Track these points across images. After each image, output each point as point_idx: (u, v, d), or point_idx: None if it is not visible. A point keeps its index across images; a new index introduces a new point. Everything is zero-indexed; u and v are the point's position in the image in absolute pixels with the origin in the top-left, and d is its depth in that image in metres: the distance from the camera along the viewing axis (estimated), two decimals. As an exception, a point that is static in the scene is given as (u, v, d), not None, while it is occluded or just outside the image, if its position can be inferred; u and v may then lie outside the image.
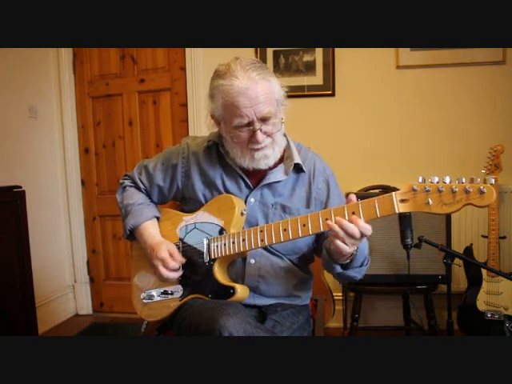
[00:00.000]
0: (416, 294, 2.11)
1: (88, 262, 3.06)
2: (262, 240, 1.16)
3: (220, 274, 1.23)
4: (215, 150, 1.32)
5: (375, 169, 2.55)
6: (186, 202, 1.37)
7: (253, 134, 1.18)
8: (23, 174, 2.57)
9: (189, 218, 1.32)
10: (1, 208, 1.97)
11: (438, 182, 0.97)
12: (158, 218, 1.38)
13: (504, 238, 2.22)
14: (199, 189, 1.32)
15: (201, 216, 1.30)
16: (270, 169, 1.27)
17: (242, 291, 1.20)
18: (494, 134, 2.41)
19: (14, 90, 2.58)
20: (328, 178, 1.32)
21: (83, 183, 3.03)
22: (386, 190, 2.22)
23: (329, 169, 1.34)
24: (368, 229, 1.03)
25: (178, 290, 1.28)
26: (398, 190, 1.02)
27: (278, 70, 2.61)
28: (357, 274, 1.19)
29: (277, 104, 1.20)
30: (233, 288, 1.20)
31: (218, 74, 1.19)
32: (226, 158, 1.29)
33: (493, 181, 0.94)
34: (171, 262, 1.24)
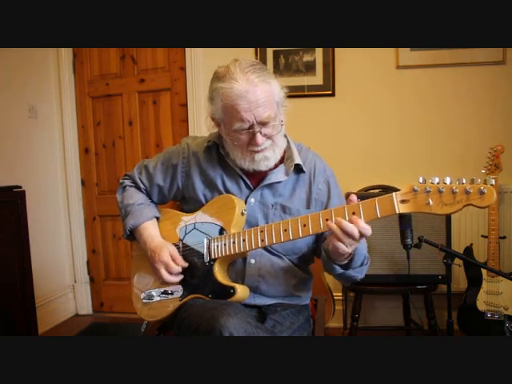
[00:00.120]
0: (416, 294, 2.11)
1: (88, 262, 3.06)
2: (262, 240, 1.16)
3: (220, 274, 1.23)
4: (215, 151, 1.32)
5: (375, 169, 2.55)
6: (186, 202, 1.37)
7: (253, 136, 1.18)
8: (23, 173, 2.57)
9: (189, 218, 1.32)
10: (1, 208, 1.97)
11: (438, 183, 0.97)
12: (157, 218, 1.38)
13: (504, 238, 2.22)
14: (199, 189, 1.32)
15: (201, 216, 1.30)
16: (271, 169, 1.27)
17: (242, 291, 1.20)
18: (494, 134, 2.41)
19: (14, 90, 2.58)
20: (328, 179, 1.32)
21: (83, 183, 3.03)
22: (386, 190, 2.22)
23: (329, 169, 1.34)
24: (367, 229, 1.03)
25: (178, 290, 1.28)
26: (398, 190, 1.02)
27: (277, 70, 2.61)
28: (358, 273, 1.19)
29: (277, 106, 1.20)
30: (233, 288, 1.20)
31: (217, 77, 1.19)
32: (226, 158, 1.29)
33: (493, 181, 0.94)
34: (174, 267, 1.24)
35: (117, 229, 2.98)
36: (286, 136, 1.31)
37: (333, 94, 2.60)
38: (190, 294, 1.26)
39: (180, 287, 1.28)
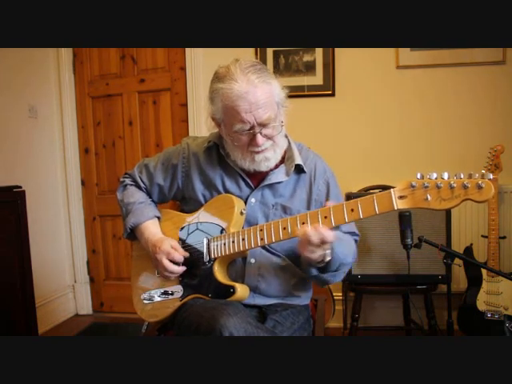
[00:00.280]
0: (416, 294, 2.11)
1: (88, 262, 3.06)
2: (261, 239, 1.16)
3: (220, 274, 1.23)
4: (215, 151, 1.32)
5: (375, 169, 2.55)
6: (186, 202, 1.37)
7: (253, 137, 1.18)
8: (23, 174, 2.57)
9: (190, 219, 1.32)
10: (1, 208, 1.97)
11: (436, 178, 0.98)
12: (158, 218, 1.38)
13: (504, 238, 2.22)
14: (199, 189, 1.32)
15: (201, 216, 1.30)
16: (271, 169, 1.27)
17: (241, 290, 1.20)
18: (494, 134, 2.41)
19: (14, 90, 2.58)
20: (328, 180, 1.32)
21: (83, 183, 3.03)
22: (386, 189, 2.22)
23: (329, 170, 1.34)
24: (323, 236, 1.04)
25: (179, 290, 1.28)
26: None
27: (278, 70, 2.61)
28: (332, 277, 1.21)
29: (277, 107, 1.20)
30: (233, 287, 1.20)
31: (217, 77, 1.19)
32: (226, 159, 1.29)
33: (491, 176, 0.94)
34: (176, 254, 1.24)
35: (117, 229, 2.98)
36: (286, 136, 1.31)
37: (333, 94, 2.60)
38: (190, 294, 1.26)
39: (180, 287, 1.28)
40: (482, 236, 2.26)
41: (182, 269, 1.26)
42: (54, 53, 2.90)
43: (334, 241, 1.07)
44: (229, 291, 1.20)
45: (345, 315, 2.35)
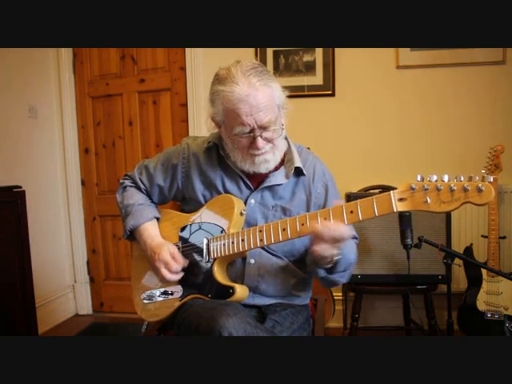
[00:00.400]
0: (416, 293, 2.11)
1: (88, 262, 3.07)
2: (261, 240, 1.16)
3: (219, 274, 1.23)
4: (215, 152, 1.32)
5: (375, 169, 2.55)
6: (186, 203, 1.37)
7: (253, 140, 1.17)
8: (23, 174, 2.57)
9: (192, 219, 1.32)
10: (1, 208, 1.97)
11: (436, 181, 0.97)
12: (157, 219, 1.38)
13: (504, 238, 2.22)
14: (199, 189, 1.32)
15: (202, 216, 1.30)
16: (271, 171, 1.27)
17: (241, 291, 1.20)
18: (494, 133, 2.41)
19: (14, 90, 2.58)
20: (327, 183, 1.32)
21: (83, 183, 3.03)
22: (386, 190, 2.20)
23: (328, 173, 1.34)
24: (341, 233, 1.03)
25: (178, 290, 1.29)
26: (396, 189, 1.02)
27: (278, 70, 2.61)
28: (341, 278, 1.20)
29: (278, 109, 1.20)
30: (232, 288, 1.20)
31: (218, 79, 1.18)
32: (226, 160, 1.29)
33: (491, 179, 0.94)
34: (174, 265, 1.24)
35: (117, 229, 2.98)
36: (286, 138, 1.31)
37: (333, 94, 2.60)
38: (190, 294, 1.26)
39: (180, 287, 1.28)
40: (482, 236, 2.26)
41: (179, 276, 1.27)
42: (54, 53, 2.90)
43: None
44: (228, 292, 1.20)
45: (345, 315, 2.35)
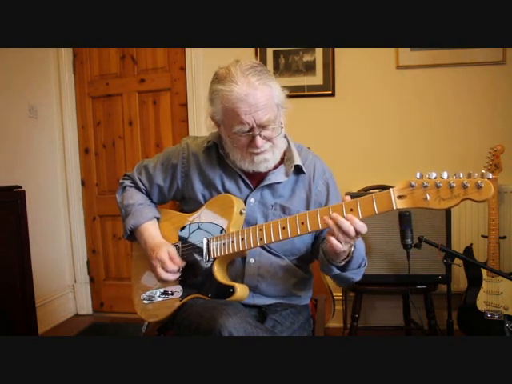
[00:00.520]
0: (416, 293, 2.11)
1: (88, 262, 3.06)
2: (260, 239, 1.16)
3: (219, 274, 1.23)
4: (215, 151, 1.32)
5: (375, 169, 2.55)
6: (186, 202, 1.37)
7: (252, 139, 1.18)
8: (23, 174, 2.57)
9: (191, 218, 1.32)
10: (1, 208, 1.97)
11: (435, 178, 0.98)
12: (158, 219, 1.38)
13: (504, 238, 2.22)
14: (198, 189, 1.32)
15: (202, 216, 1.30)
16: (270, 170, 1.27)
17: (241, 290, 1.20)
18: (494, 133, 2.41)
19: (14, 90, 2.58)
20: (328, 181, 1.32)
21: (83, 183, 3.03)
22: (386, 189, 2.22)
23: (328, 171, 1.34)
24: (363, 226, 1.03)
25: (178, 290, 1.29)
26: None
27: (278, 70, 2.61)
28: (355, 275, 1.19)
29: (277, 108, 1.20)
30: (232, 287, 1.20)
31: (217, 78, 1.18)
32: (225, 159, 1.29)
33: (490, 175, 0.94)
34: (170, 265, 1.24)
35: (117, 229, 2.98)
36: (286, 137, 1.31)
37: (333, 94, 2.60)
38: (190, 294, 1.26)
39: (180, 287, 1.28)
40: (482, 236, 2.26)
41: (175, 276, 1.27)
42: (54, 53, 2.89)
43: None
44: (228, 291, 1.20)
45: (345, 315, 2.35)
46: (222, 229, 1.24)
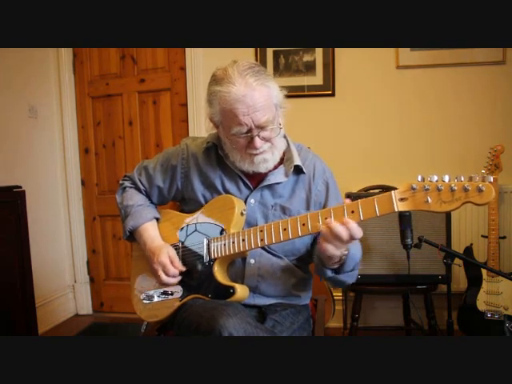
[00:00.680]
0: (416, 293, 2.11)
1: (88, 262, 3.07)
2: (261, 240, 1.16)
3: (220, 274, 1.23)
4: (214, 152, 1.32)
5: (375, 169, 2.55)
6: (186, 203, 1.37)
7: (251, 140, 1.17)
8: (23, 174, 2.57)
9: (190, 219, 1.32)
10: (1, 208, 1.97)
11: (437, 181, 0.98)
12: (157, 219, 1.38)
13: (504, 238, 2.22)
14: (198, 190, 1.32)
15: (201, 217, 1.30)
16: (270, 170, 1.27)
17: (241, 291, 1.20)
18: (494, 133, 2.41)
19: (14, 90, 2.58)
20: (327, 180, 1.32)
21: (83, 183, 3.03)
22: (386, 190, 2.21)
23: (328, 171, 1.34)
24: (357, 232, 1.02)
25: (178, 291, 1.28)
26: (397, 189, 1.02)
27: (277, 70, 2.61)
28: (348, 278, 1.19)
29: (275, 108, 1.20)
30: (232, 288, 1.20)
31: (215, 80, 1.18)
32: (225, 160, 1.29)
33: (491, 179, 0.94)
34: (171, 269, 1.25)
35: (117, 229, 2.98)
36: (285, 137, 1.31)
37: (333, 94, 2.60)
38: (190, 295, 1.26)
39: (180, 287, 1.28)
40: (482, 236, 2.26)
41: (176, 280, 1.27)
42: (54, 53, 2.90)
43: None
44: (228, 292, 1.20)
45: (345, 315, 2.35)
46: (223, 229, 1.24)
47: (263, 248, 1.25)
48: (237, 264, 1.27)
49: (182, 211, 1.38)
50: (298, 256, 1.31)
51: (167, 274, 1.25)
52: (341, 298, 2.37)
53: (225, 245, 1.22)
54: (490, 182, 0.94)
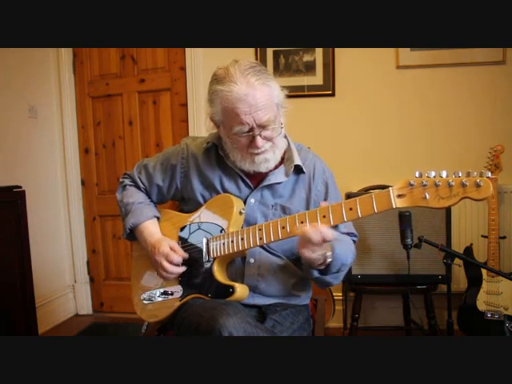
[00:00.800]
0: (416, 294, 2.11)
1: (88, 262, 3.06)
2: (260, 238, 1.16)
3: (219, 274, 1.23)
4: (214, 152, 1.32)
5: (375, 169, 2.55)
6: (185, 203, 1.37)
7: (252, 139, 1.18)
8: (23, 174, 2.57)
9: (191, 219, 1.32)
10: (1, 208, 1.97)
11: (434, 177, 0.98)
12: (158, 218, 1.38)
13: (504, 238, 2.22)
14: (198, 189, 1.32)
15: (201, 216, 1.30)
16: (271, 170, 1.27)
17: (241, 290, 1.20)
18: (494, 133, 2.41)
19: (14, 90, 2.58)
20: (327, 180, 1.32)
21: (83, 183, 3.03)
22: (386, 189, 2.22)
23: (328, 170, 1.34)
24: (321, 235, 1.03)
25: (178, 290, 1.29)
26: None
27: (278, 70, 2.61)
28: (334, 279, 1.20)
29: (276, 108, 1.20)
30: (232, 287, 1.20)
31: (216, 79, 1.18)
32: (225, 160, 1.29)
33: (489, 174, 0.94)
34: (174, 256, 1.24)
35: (117, 229, 2.98)
36: (286, 137, 1.31)
37: (333, 94, 2.60)
38: (190, 294, 1.26)
39: (180, 287, 1.28)
40: (482, 236, 2.26)
41: (181, 269, 1.26)
42: (54, 53, 2.90)
43: (333, 239, 1.06)
44: (228, 291, 1.20)
45: (345, 315, 2.35)
46: (222, 229, 1.24)
47: (263, 247, 1.25)
48: (236, 263, 1.27)
49: (182, 211, 1.38)
50: (298, 255, 1.30)
51: (171, 263, 1.24)
52: (341, 298, 2.37)
53: (224, 244, 1.22)
54: (488, 177, 0.94)
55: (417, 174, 0.99)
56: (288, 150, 1.31)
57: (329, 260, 1.12)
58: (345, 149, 2.58)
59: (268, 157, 1.22)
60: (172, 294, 1.29)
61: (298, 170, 1.29)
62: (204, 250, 1.25)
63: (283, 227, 1.13)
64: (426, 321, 2.12)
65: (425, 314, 2.13)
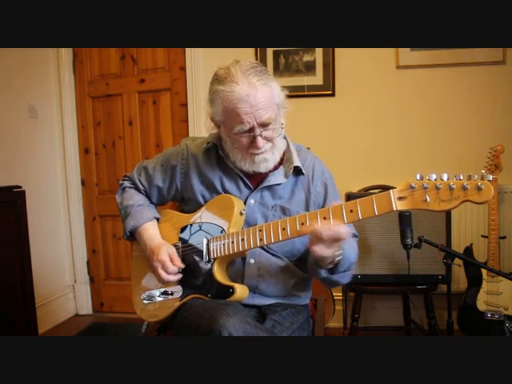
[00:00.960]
0: (416, 294, 2.11)
1: (88, 262, 3.07)
2: (260, 239, 1.16)
3: (219, 274, 1.23)
4: (214, 152, 1.32)
5: (375, 169, 2.55)
6: (186, 203, 1.37)
7: (253, 139, 1.18)
8: (23, 174, 2.57)
9: (192, 219, 1.32)
10: (1, 208, 1.97)
11: (435, 180, 0.98)
12: (157, 219, 1.38)
13: (504, 238, 2.22)
14: (198, 190, 1.32)
15: (202, 217, 1.30)
16: (270, 171, 1.27)
17: (241, 291, 1.20)
18: (494, 133, 2.41)
19: (14, 90, 2.58)
20: (326, 181, 1.32)
21: (83, 183, 3.03)
22: (386, 190, 2.22)
23: (327, 172, 1.34)
24: (339, 233, 1.02)
25: (178, 291, 1.29)
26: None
27: (278, 70, 2.61)
28: (342, 278, 1.19)
29: (277, 108, 1.20)
30: (232, 287, 1.20)
31: (217, 79, 1.18)
32: (225, 160, 1.29)
33: (490, 177, 0.94)
34: (170, 266, 1.25)
35: (117, 229, 2.98)
36: (285, 137, 1.31)
37: (333, 94, 2.60)
38: (190, 294, 1.26)
39: (180, 287, 1.28)
40: (482, 236, 2.26)
41: (176, 277, 1.27)
42: (54, 53, 2.90)
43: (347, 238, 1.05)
44: (228, 291, 1.20)
45: (345, 315, 2.35)
46: (222, 229, 1.24)
47: (263, 248, 1.25)
48: (236, 264, 1.27)
49: (182, 211, 1.38)
50: (298, 256, 1.30)
51: (166, 272, 1.25)
52: (341, 298, 2.37)
53: (224, 244, 1.22)
54: (489, 181, 0.93)
55: (418, 177, 0.99)
56: (287, 151, 1.30)
57: (337, 259, 1.12)
58: (345, 149, 2.58)
59: (267, 157, 1.22)
60: (172, 294, 1.29)
61: (298, 172, 1.29)
62: (204, 250, 1.25)
63: (284, 228, 1.13)
64: (426, 321, 2.12)
65: (425, 313, 2.13)
